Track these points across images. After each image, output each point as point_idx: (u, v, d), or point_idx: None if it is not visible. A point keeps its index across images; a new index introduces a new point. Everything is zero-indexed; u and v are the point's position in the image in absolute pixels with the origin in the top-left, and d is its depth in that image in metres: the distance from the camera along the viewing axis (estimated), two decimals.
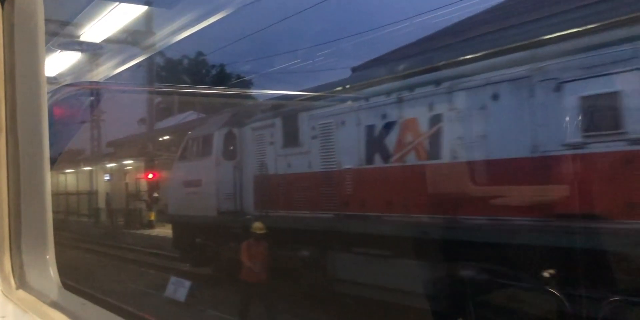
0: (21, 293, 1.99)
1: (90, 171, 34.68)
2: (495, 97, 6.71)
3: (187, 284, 11.21)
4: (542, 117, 6.23)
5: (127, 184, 29.66)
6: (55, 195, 38.83)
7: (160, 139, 27.87)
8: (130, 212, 27.86)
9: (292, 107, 10.40)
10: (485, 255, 6.45)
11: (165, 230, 24.98)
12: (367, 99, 8.61)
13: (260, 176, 11.16)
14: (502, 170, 6.64)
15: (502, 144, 6.64)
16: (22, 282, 2.04)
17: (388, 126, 8.14)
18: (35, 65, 2.06)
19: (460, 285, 6.73)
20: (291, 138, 10.29)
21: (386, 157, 8.14)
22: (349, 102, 8.90)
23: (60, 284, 2.15)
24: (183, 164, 13.46)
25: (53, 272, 2.16)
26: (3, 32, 2.00)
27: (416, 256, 7.16)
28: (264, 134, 11.09)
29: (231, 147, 12.11)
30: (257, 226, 8.77)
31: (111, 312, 1.96)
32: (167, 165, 31.31)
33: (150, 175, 25.79)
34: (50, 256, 2.17)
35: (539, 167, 6.17)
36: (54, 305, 1.81)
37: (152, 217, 25.72)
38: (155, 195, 25.69)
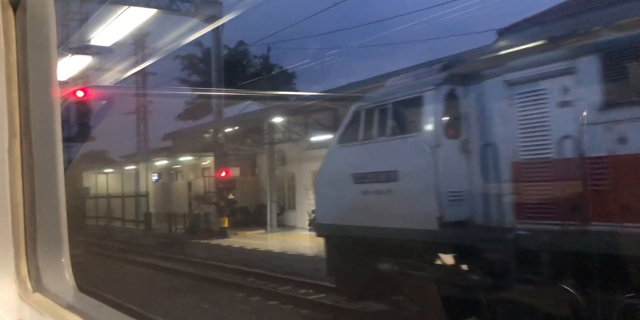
0: (38, 296, 1.97)
1: (137, 170, 30.34)
2: None
3: None
4: None
5: (189, 184, 25.19)
6: (95, 198, 34.62)
7: (231, 129, 23.38)
8: (194, 218, 23.41)
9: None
10: None
11: (245, 240, 20.42)
12: None
13: (533, 163, 6.51)
14: None
15: None
16: (38, 285, 2.01)
17: None
18: (48, 70, 2.08)
19: None
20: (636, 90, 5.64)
21: None
22: None
23: (75, 287, 2.05)
24: (350, 149, 8.85)
25: (68, 275, 2.06)
26: (16, 38, 2.04)
27: None
28: (544, 90, 6.44)
29: (455, 118, 7.51)
30: None
31: (126, 315, 1.89)
32: (245, 161, 26.90)
33: (223, 173, 21.35)
34: (66, 259, 2.07)
35: None
36: (70, 307, 1.80)
37: (226, 223, 21.26)
38: (230, 196, 21.23)
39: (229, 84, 24.08)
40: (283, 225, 23.75)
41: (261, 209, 25.99)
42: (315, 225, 9.66)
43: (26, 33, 2.01)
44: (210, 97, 23.60)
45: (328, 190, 9.35)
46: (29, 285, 2.01)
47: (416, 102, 7.66)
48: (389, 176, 7.94)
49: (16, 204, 2.01)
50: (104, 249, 22.07)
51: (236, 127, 23.77)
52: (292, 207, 24.63)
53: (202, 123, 26.49)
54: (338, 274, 9.26)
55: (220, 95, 22.98)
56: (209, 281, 14.37)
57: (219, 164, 21.44)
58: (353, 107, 8.90)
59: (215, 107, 23.38)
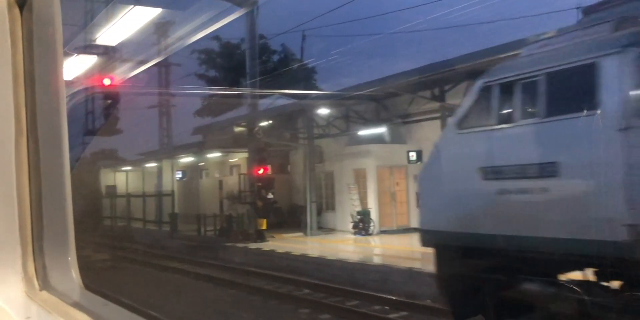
0: (45, 294, 2.02)
1: (159, 167, 28.60)
2: None
3: None
4: None
5: (221, 182, 23.39)
6: (114, 197, 32.93)
7: (265, 123, 21.53)
8: (227, 219, 21.62)
9: None
10: None
11: (286, 244, 18.52)
12: None
13: None
14: None
15: None
16: (45, 284, 2.05)
17: None
18: (54, 70, 2.12)
19: None
20: None
21: None
22: None
23: (81, 285, 2.11)
24: (476, 136, 6.97)
25: (75, 273, 2.11)
26: (23, 38, 2.07)
27: None
28: None
29: None
30: None
31: (132, 313, 1.91)
32: (277, 157, 25.09)
33: (260, 171, 19.53)
34: (72, 258, 2.11)
35: None
36: (77, 306, 1.84)
37: (264, 225, 19.43)
38: (269, 196, 19.42)
39: (262, 74, 22.25)
40: (321, 228, 21.93)
41: (295, 210, 24.18)
42: (422, 232, 7.77)
43: (32, 32, 2.03)
44: (242, 89, 21.79)
45: (440, 188, 7.46)
46: (36, 283, 2.02)
47: (588, 71, 5.76)
48: (545, 170, 6.04)
49: (23, 203, 2.01)
50: (132, 253, 20.28)
51: (270, 121, 21.97)
52: (331, 208, 22.78)
53: (233, 116, 24.68)
54: (455, 292, 7.38)
55: (254, 87, 21.14)
56: (261, 293, 12.53)
57: (255, 161, 19.60)
58: (479, 83, 7.01)
59: (248, 100, 21.56)
